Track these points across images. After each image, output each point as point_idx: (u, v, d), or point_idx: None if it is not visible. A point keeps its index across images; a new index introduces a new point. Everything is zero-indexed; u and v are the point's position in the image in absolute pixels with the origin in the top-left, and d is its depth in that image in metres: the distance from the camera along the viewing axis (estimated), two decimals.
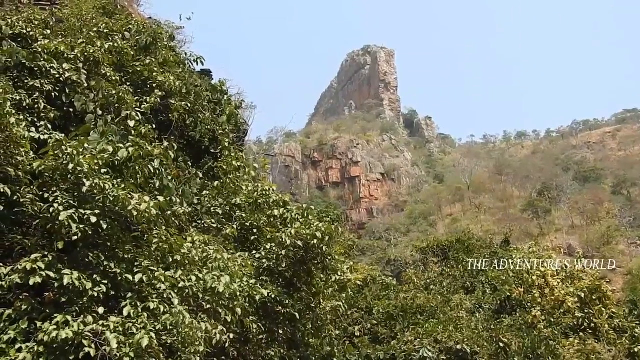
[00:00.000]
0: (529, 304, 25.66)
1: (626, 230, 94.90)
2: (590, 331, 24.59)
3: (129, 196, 9.77)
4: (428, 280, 29.60)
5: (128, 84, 14.95)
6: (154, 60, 16.19)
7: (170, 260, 10.45)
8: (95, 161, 9.91)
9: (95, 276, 9.20)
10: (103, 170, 10.02)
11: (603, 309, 25.63)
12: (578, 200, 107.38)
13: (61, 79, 12.87)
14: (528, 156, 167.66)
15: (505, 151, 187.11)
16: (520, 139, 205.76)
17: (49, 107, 12.12)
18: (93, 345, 8.30)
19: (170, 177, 11.86)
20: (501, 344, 20.93)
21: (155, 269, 9.91)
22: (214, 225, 14.05)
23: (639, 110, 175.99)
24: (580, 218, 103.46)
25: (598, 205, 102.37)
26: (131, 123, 12.59)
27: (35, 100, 11.94)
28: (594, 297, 26.01)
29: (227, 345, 10.72)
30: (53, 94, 12.58)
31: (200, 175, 15.52)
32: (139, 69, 15.56)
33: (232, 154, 16.89)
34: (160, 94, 14.98)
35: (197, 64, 19.45)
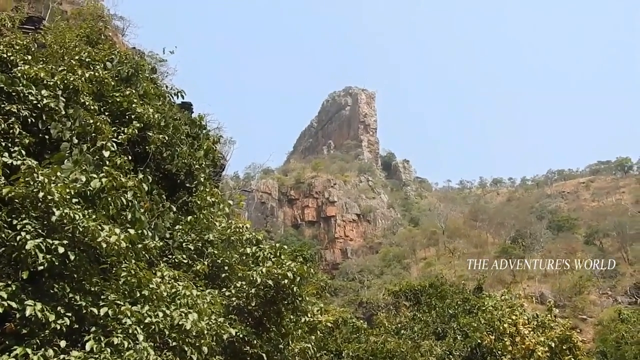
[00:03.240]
0: (499, 352, 25.64)
1: (598, 280, 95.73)
2: None
3: (100, 227, 9.67)
4: (399, 325, 29.49)
5: (106, 113, 14.91)
6: (134, 91, 16.21)
7: (138, 294, 10.30)
8: (67, 190, 9.82)
9: (59, 308, 9.03)
10: (74, 200, 9.92)
11: (573, 359, 25.70)
12: (551, 248, 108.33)
13: (39, 105, 12.80)
14: (503, 203, 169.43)
15: (481, 197, 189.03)
16: (495, 186, 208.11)
17: (24, 132, 12.02)
18: None
19: (142, 210, 11.77)
20: None
21: (122, 303, 9.76)
22: (185, 261, 13.92)
23: (612, 162, 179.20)
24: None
25: (571, 254, 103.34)
26: (106, 153, 12.54)
27: (11, 125, 11.84)
28: (564, 347, 26.08)
29: None
30: (29, 119, 12.50)
31: (174, 209, 15.42)
32: (118, 99, 15.55)
33: (207, 189, 16.86)
34: (138, 125, 14.94)
35: (178, 97, 19.53)
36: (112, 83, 15.77)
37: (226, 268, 14.53)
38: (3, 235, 9.31)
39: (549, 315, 28.88)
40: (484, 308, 29.57)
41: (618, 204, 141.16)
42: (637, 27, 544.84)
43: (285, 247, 15.56)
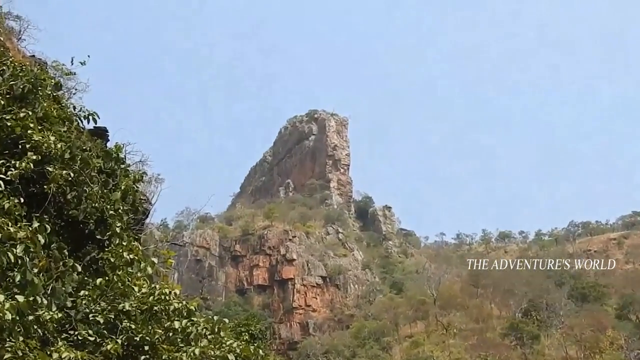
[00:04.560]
0: None
1: None
2: None
3: None
4: None
5: None
6: (30, 113, 16.17)
7: None
8: None
9: None
10: None
11: None
12: (574, 324, 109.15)
13: None
14: (512, 264, 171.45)
15: (484, 256, 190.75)
16: (502, 242, 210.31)
17: None
18: None
19: (36, 270, 11.68)
20: None
21: None
22: (92, 338, 13.74)
23: None
24: (576, 348, 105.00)
25: (599, 332, 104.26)
26: None
27: None
28: None
29: None
30: None
31: (79, 268, 15.26)
32: (9, 123, 15.49)
33: (125, 243, 16.75)
34: (35, 158, 14.89)
35: (89, 121, 19.52)
36: (2, 102, 15.75)
37: (147, 348, 14.38)
38: None
39: None
40: None
41: None
42: None
43: (227, 320, 15.56)
